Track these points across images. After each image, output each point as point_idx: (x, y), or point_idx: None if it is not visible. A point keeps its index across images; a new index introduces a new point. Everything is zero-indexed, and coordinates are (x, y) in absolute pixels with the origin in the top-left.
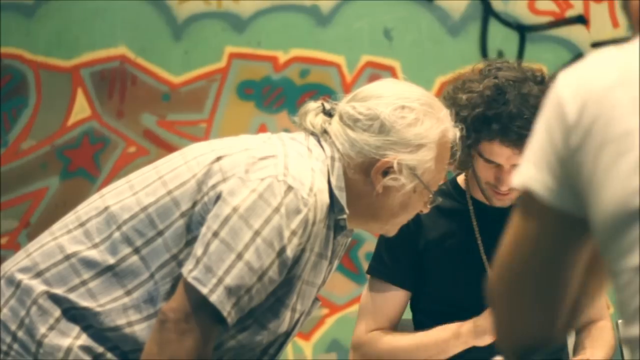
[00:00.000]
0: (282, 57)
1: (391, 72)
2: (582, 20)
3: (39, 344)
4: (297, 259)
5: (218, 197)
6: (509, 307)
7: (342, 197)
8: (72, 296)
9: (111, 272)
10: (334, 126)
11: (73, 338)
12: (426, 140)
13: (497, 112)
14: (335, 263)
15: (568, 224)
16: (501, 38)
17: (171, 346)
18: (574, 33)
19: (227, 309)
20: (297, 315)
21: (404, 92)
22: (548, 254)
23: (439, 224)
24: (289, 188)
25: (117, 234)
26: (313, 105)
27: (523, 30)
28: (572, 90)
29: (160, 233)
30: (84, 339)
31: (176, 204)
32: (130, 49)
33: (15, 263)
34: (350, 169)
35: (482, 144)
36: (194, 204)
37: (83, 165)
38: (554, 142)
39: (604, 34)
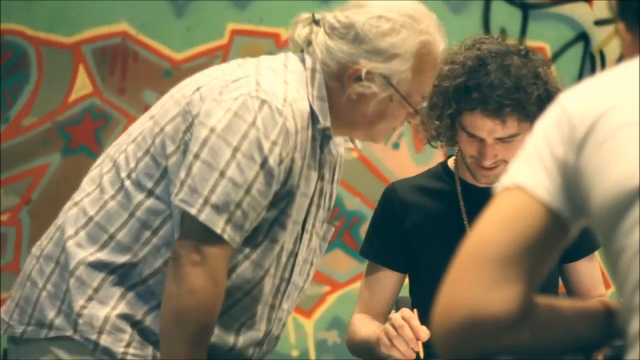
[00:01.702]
0: (284, 34)
1: None
2: None
3: (79, 315)
4: (289, 170)
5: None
6: (471, 275)
7: (323, 107)
8: (106, 255)
9: (134, 219)
10: (319, 36)
11: (111, 308)
12: (400, 51)
13: (477, 81)
14: (334, 186)
15: (554, 222)
16: (504, 15)
17: (188, 279)
18: (577, 10)
19: (220, 226)
20: (297, 228)
21: (387, 4)
22: (531, 243)
23: (426, 205)
24: (263, 102)
25: (128, 182)
26: (303, 17)
27: (526, 8)
28: (574, 96)
29: (165, 169)
30: (122, 307)
31: (170, 137)
32: (132, 26)
33: (48, 239)
34: (328, 77)
35: (464, 115)
36: (184, 134)
37: (84, 142)
38: (551, 144)
39: (607, 12)
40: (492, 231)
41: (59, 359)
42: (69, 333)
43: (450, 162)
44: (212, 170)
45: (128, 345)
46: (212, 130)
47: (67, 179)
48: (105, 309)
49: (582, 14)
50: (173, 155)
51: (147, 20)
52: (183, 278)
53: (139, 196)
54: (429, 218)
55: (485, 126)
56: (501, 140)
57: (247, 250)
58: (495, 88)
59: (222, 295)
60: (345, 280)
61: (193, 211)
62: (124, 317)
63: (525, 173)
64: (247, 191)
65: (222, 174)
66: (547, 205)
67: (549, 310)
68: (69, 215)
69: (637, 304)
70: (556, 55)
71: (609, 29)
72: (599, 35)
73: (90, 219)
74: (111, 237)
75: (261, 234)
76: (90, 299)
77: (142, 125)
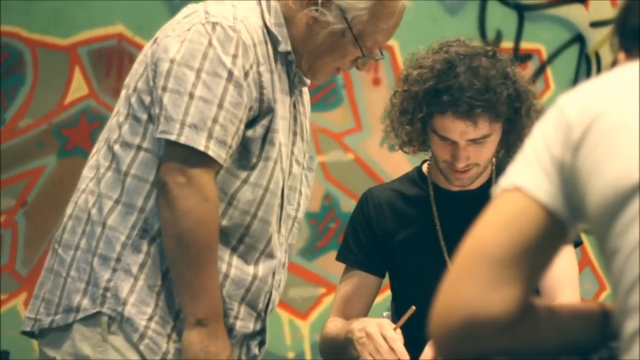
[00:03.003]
0: None
1: (390, 51)
2: None
3: (106, 289)
4: (260, 84)
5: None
6: (470, 276)
7: (282, 32)
8: (117, 221)
9: (129, 177)
10: None
11: (134, 277)
12: None
13: (447, 84)
14: (307, 121)
15: (552, 223)
16: (500, 17)
17: (178, 202)
18: (573, 12)
19: (202, 143)
20: (286, 150)
21: None
22: (530, 245)
23: (400, 210)
24: (214, 24)
25: (116, 147)
26: None
27: (522, 10)
28: (572, 98)
29: (148, 120)
30: (145, 273)
31: (144, 91)
32: (128, 27)
33: (62, 230)
34: None
35: (436, 119)
36: (154, 81)
37: (80, 144)
38: (550, 145)
39: (603, 14)
40: (491, 233)
41: (74, 343)
42: (96, 309)
43: (425, 167)
44: (181, 95)
45: (150, 319)
46: (172, 61)
47: (63, 180)
48: (130, 279)
49: (578, 15)
50: (152, 106)
51: (142, 22)
52: (173, 202)
53: (129, 155)
54: (402, 223)
55: (456, 128)
56: (473, 141)
57: (244, 174)
58: (465, 90)
59: (216, 211)
60: None
61: (173, 137)
62: (148, 288)
63: (524, 175)
64: (220, 106)
65: (191, 96)
66: (546, 206)
67: (546, 311)
68: (79, 203)
69: (631, 304)
70: (552, 57)
71: (604, 31)
72: (595, 37)
73: (99, 195)
74: (116, 202)
75: (254, 156)
76: (114, 270)
77: (120, 99)
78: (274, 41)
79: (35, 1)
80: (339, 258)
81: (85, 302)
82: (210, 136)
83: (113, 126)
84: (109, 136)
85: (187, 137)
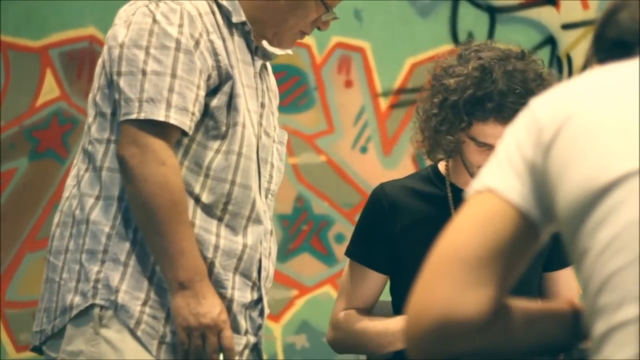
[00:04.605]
0: None
1: (361, 53)
2: (552, 1)
3: (97, 281)
4: (214, 51)
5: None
6: (444, 277)
7: (234, 5)
8: (100, 215)
9: (104, 171)
10: None
11: (123, 265)
12: None
13: (487, 91)
14: (272, 94)
15: (525, 225)
16: (471, 19)
17: (136, 172)
18: (544, 14)
19: (161, 114)
20: (256, 117)
21: None
22: (503, 246)
23: (416, 208)
24: (157, 3)
25: (90, 147)
26: None
27: (493, 12)
28: (544, 101)
29: (112, 114)
30: (133, 260)
31: (104, 86)
32: (99, 30)
33: (52, 239)
34: None
35: (475, 126)
36: (111, 71)
37: (52, 146)
38: (522, 148)
39: (574, 16)
40: (464, 234)
41: (69, 340)
42: (87, 303)
43: (442, 167)
44: (135, 75)
45: (144, 303)
46: (121, 45)
47: (34, 183)
48: (119, 267)
49: (549, 18)
50: (114, 95)
51: None
52: (132, 173)
53: (100, 150)
54: (418, 221)
55: (499, 133)
56: None
57: (216, 144)
58: (506, 95)
59: (175, 172)
60: (314, 284)
61: (134, 116)
62: (139, 273)
63: (496, 176)
64: (173, 75)
65: (144, 73)
66: (518, 207)
67: (519, 311)
68: (64, 209)
69: (600, 305)
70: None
71: (576, 33)
72: (566, 39)
73: (80, 196)
74: (97, 197)
75: (223, 125)
76: (102, 262)
77: (88, 104)
78: (225, 14)
79: (6, 3)
80: (348, 254)
81: (77, 299)
82: (169, 105)
83: (85, 131)
84: (83, 141)
85: (146, 112)
